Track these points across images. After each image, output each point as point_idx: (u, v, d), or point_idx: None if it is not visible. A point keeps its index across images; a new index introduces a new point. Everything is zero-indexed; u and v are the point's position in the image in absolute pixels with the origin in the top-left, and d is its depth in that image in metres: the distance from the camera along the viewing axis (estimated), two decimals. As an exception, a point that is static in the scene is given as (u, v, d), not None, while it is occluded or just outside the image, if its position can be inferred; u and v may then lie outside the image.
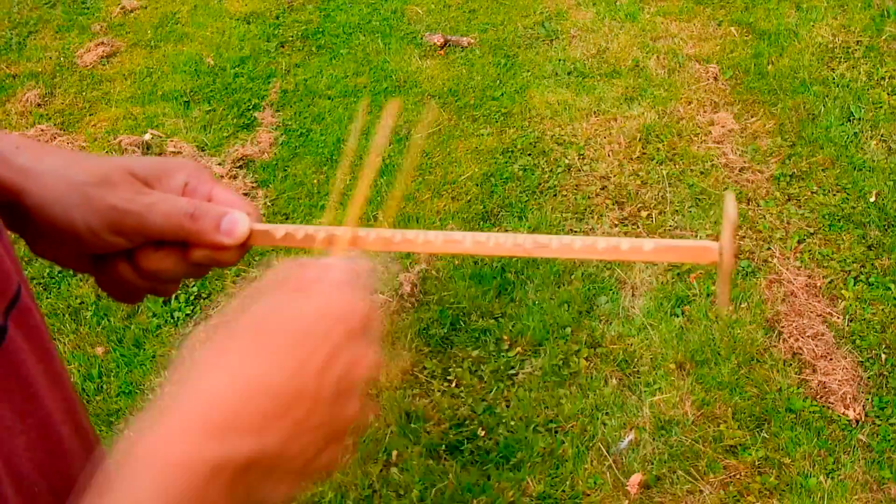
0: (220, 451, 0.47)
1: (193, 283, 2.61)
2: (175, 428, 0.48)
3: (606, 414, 2.21)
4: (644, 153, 3.01)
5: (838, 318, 2.41)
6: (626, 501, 2.04)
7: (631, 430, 2.17)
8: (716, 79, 3.34)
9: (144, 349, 2.46)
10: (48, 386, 0.59)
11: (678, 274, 2.56)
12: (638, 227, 2.73)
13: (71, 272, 2.67)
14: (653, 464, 2.10)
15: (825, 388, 2.24)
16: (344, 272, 0.55)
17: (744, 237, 2.67)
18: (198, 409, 0.48)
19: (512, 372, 2.33)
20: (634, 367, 2.32)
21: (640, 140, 3.07)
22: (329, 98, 3.41)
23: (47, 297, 2.61)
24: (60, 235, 0.59)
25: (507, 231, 2.75)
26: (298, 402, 0.49)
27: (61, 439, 0.60)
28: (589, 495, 2.05)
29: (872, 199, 2.76)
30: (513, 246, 0.57)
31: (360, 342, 0.52)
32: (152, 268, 0.60)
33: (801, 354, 2.32)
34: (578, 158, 3.01)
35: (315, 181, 3.00)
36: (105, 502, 0.46)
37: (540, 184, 2.92)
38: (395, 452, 2.14)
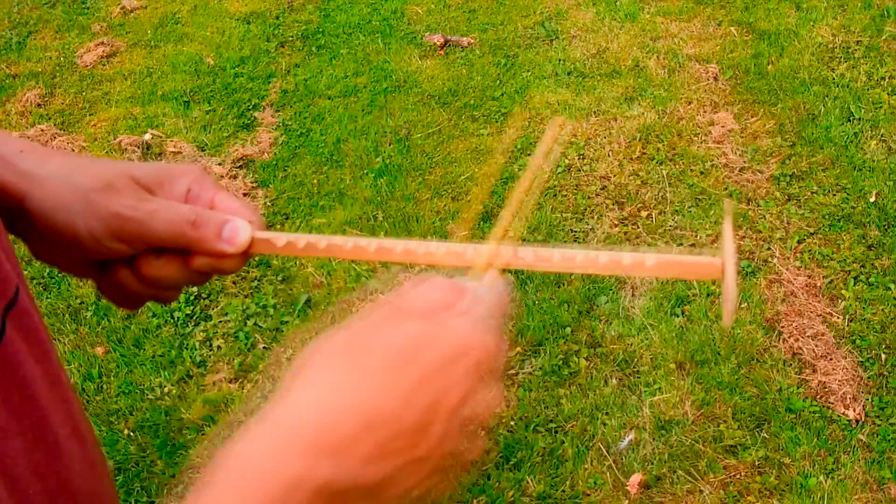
0: (328, 474, 0.47)
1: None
2: (286, 443, 0.47)
3: (606, 414, 2.21)
4: (644, 153, 3.02)
5: (838, 318, 2.41)
6: (626, 501, 2.04)
7: (631, 430, 2.17)
8: (716, 79, 3.34)
9: (144, 349, 2.46)
10: (46, 387, 0.59)
11: (678, 274, 2.56)
12: (638, 227, 2.73)
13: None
14: (653, 464, 2.10)
15: (825, 388, 2.24)
16: (477, 302, 0.53)
17: (744, 237, 2.67)
18: (316, 430, 0.48)
19: (512, 372, 2.33)
20: (634, 367, 2.32)
21: (640, 140, 3.07)
22: (329, 98, 3.41)
23: (47, 297, 2.62)
24: (62, 241, 0.59)
25: (507, 231, 2.75)
26: (409, 435, 0.49)
27: (58, 441, 0.60)
28: (589, 495, 2.05)
29: (872, 199, 2.76)
30: (513, 259, 0.58)
31: (480, 380, 0.51)
32: (153, 275, 0.60)
33: (801, 354, 2.33)
34: (578, 158, 3.02)
35: (315, 181, 3.00)
36: (212, 500, 0.46)
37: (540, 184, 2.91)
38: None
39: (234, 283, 2.63)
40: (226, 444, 0.48)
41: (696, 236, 2.70)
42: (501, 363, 0.52)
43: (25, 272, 2.77)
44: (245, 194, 2.96)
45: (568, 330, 2.42)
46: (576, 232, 2.74)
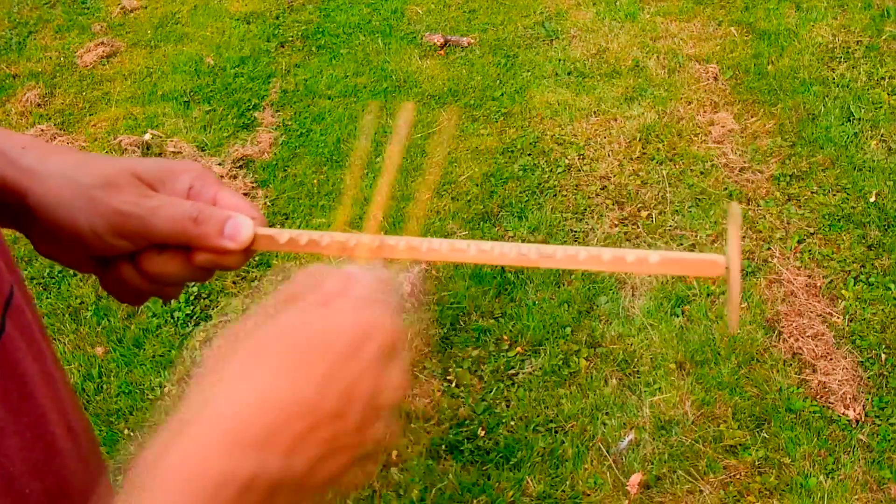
0: (253, 468, 0.46)
1: (194, 283, 2.61)
2: (207, 442, 0.47)
3: (606, 414, 2.21)
4: (644, 153, 3.02)
5: (838, 318, 2.41)
6: (626, 501, 2.04)
7: (631, 430, 2.17)
8: (716, 79, 3.34)
9: (144, 349, 2.46)
10: (42, 386, 0.59)
11: (678, 274, 2.56)
12: (638, 227, 2.73)
13: (71, 272, 2.67)
14: (653, 464, 2.10)
15: (825, 388, 2.24)
16: (369, 286, 0.54)
17: (744, 237, 2.67)
18: (231, 425, 0.48)
19: (512, 372, 2.33)
20: (634, 367, 2.32)
21: (640, 140, 3.07)
22: (329, 98, 3.41)
23: (47, 297, 2.61)
24: (65, 237, 0.59)
25: (507, 231, 2.75)
26: (329, 423, 0.49)
27: (55, 439, 0.60)
28: (589, 495, 2.05)
29: (872, 199, 2.76)
30: (517, 256, 0.57)
31: (387, 362, 0.51)
32: (156, 271, 0.60)
33: (801, 354, 2.33)
34: (578, 158, 3.02)
35: (315, 181, 3.00)
36: None
37: (540, 184, 2.92)
38: (395, 452, 2.14)
39: (234, 283, 2.63)
40: (144, 450, 0.47)
41: (696, 236, 2.70)
42: (404, 345, 0.53)
43: (26, 272, 2.77)
44: (245, 194, 2.95)
45: (568, 330, 2.42)
46: (576, 232, 2.74)
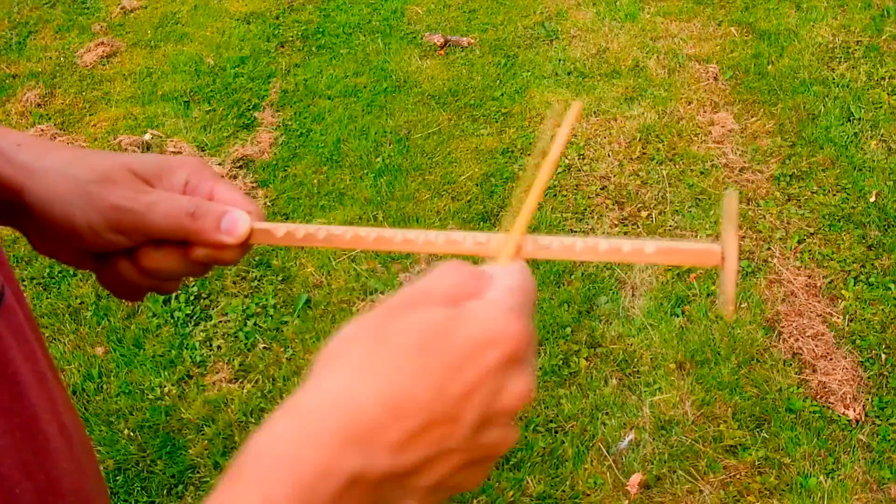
0: (359, 464, 0.46)
1: (193, 283, 2.61)
2: (317, 432, 0.46)
3: (606, 414, 2.21)
4: (644, 153, 3.01)
5: (838, 318, 2.41)
6: (626, 501, 2.04)
7: (631, 430, 2.17)
8: (716, 79, 3.34)
9: (144, 349, 2.45)
10: (35, 386, 0.59)
11: (678, 274, 2.56)
12: (638, 227, 2.73)
13: (71, 272, 2.67)
14: (653, 464, 2.10)
15: (825, 388, 2.24)
16: (503, 288, 0.52)
17: (744, 237, 2.67)
18: (342, 417, 0.47)
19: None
20: (634, 367, 2.32)
21: (640, 140, 3.07)
22: (329, 98, 3.41)
23: (47, 297, 2.61)
24: (62, 233, 0.59)
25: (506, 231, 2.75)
26: (441, 425, 0.48)
27: (48, 439, 0.59)
28: (589, 495, 2.05)
29: (872, 199, 2.76)
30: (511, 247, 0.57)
31: (512, 370, 0.50)
32: (153, 266, 0.60)
33: (801, 354, 2.32)
34: (578, 158, 3.01)
35: (315, 181, 3.00)
36: (236, 491, 0.45)
37: (540, 184, 2.91)
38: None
39: (234, 283, 2.63)
40: (252, 435, 0.47)
41: (696, 236, 2.69)
42: (532, 352, 0.51)
43: (26, 272, 2.76)
44: (245, 194, 2.95)
45: (568, 330, 2.41)
46: (576, 232, 2.74)
